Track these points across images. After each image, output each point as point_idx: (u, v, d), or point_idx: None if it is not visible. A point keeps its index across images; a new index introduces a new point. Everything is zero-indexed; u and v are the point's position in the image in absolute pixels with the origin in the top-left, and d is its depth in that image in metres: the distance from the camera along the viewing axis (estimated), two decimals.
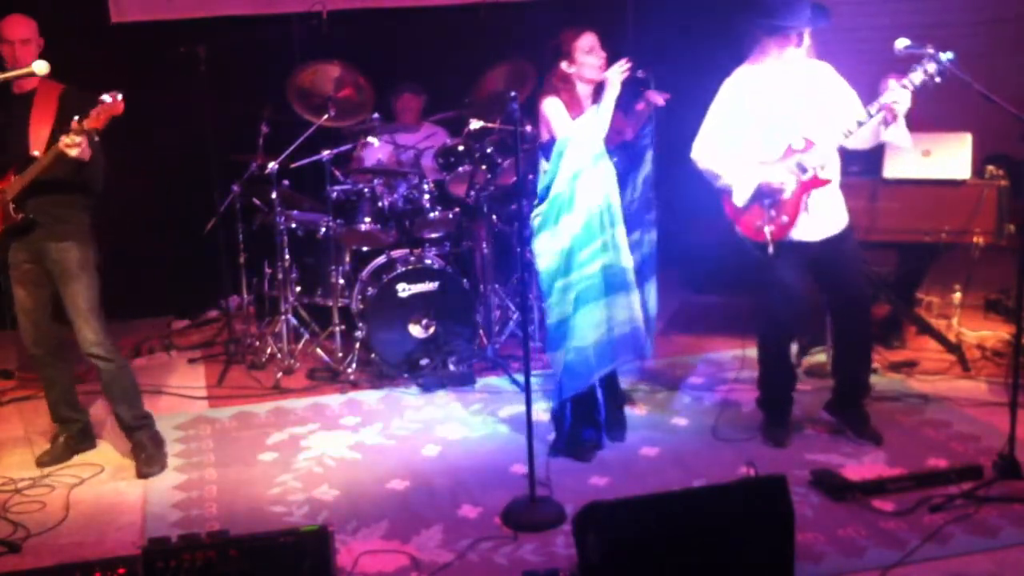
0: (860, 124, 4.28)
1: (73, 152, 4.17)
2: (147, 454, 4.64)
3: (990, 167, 5.35)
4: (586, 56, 4.40)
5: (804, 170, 4.36)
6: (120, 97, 4.15)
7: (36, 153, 4.34)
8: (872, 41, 5.96)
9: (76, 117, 4.16)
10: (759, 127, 4.41)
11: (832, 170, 4.44)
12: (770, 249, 4.39)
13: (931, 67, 4.12)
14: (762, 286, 4.55)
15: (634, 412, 4.99)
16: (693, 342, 6.08)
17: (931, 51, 4.12)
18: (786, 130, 4.39)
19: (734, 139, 4.42)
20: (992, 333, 5.85)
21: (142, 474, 4.57)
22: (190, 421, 5.19)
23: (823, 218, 4.44)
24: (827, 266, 4.50)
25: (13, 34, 4.35)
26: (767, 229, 4.39)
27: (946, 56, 4.10)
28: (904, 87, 4.19)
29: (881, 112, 4.24)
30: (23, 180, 4.34)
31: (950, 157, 5.31)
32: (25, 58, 4.30)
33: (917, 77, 4.16)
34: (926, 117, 5.11)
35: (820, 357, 5.46)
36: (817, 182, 4.38)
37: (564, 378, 4.40)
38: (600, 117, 4.37)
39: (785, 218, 4.39)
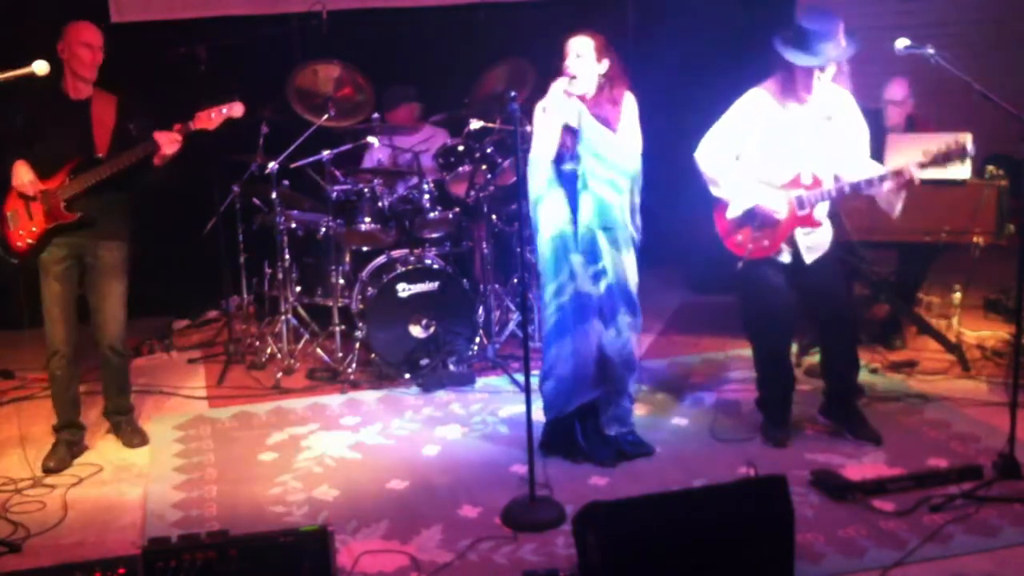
0: (871, 184, 4.31)
1: (171, 149, 4.52)
2: (132, 428, 4.96)
3: (990, 167, 5.36)
4: (565, 62, 4.23)
5: (803, 206, 4.37)
6: (239, 103, 4.66)
7: (100, 156, 4.58)
8: (872, 41, 5.96)
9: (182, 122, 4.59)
10: (764, 149, 4.41)
11: (822, 212, 4.46)
12: (740, 264, 4.42)
13: (952, 149, 4.19)
14: (752, 288, 4.55)
15: (634, 412, 4.98)
16: (693, 342, 6.08)
17: (931, 51, 4.11)
18: (794, 158, 4.39)
19: (740, 152, 4.43)
20: (992, 333, 5.86)
21: (133, 444, 4.88)
22: (190, 421, 5.19)
23: (808, 249, 4.46)
24: (808, 277, 4.51)
25: (90, 36, 4.57)
26: (747, 247, 4.43)
27: (970, 147, 4.18)
28: (921, 165, 4.23)
29: (888, 182, 4.28)
30: (87, 180, 4.52)
31: None
32: (97, 63, 4.58)
33: (940, 155, 4.21)
34: (926, 117, 5.12)
35: (819, 357, 5.45)
36: (809, 221, 4.40)
37: (544, 402, 4.49)
38: (543, 142, 4.22)
39: (767, 243, 4.42)
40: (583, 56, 4.23)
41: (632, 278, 4.40)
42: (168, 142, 4.53)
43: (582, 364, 4.37)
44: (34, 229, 4.56)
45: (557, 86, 4.18)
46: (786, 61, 4.28)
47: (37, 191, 4.53)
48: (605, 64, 4.27)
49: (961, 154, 4.19)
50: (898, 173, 4.25)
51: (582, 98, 4.26)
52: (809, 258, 4.46)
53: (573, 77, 4.20)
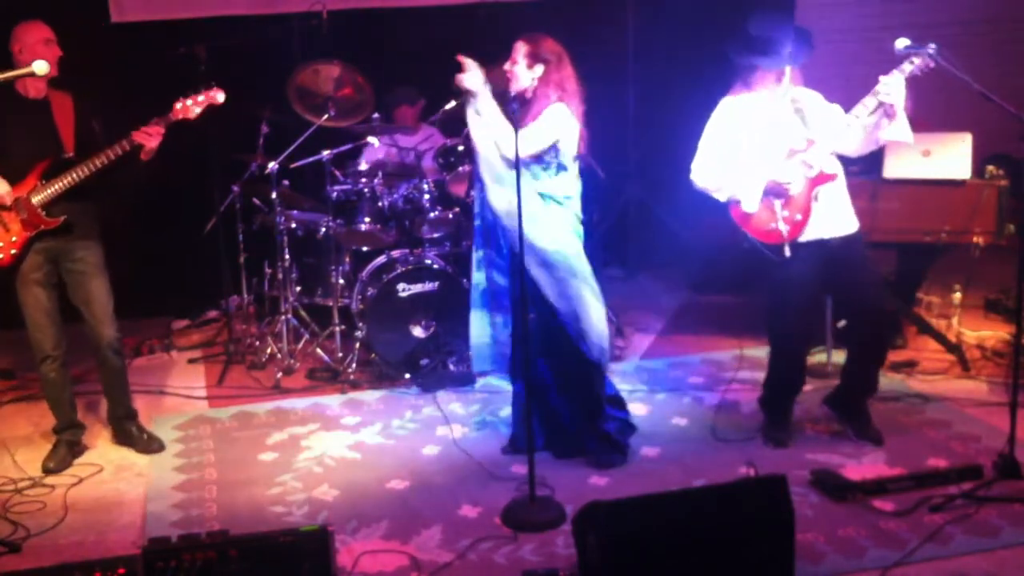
0: (857, 117, 4.27)
1: (155, 143, 4.41)
2: (147, 434, 4.88)
3: (990, 167, 5.35)
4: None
5: (810, 167, 4.36)
6: (219, 90, 4.54)
7: (70, 155, 4.46)
8: (872, 41, 5.96)
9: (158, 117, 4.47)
10: (753, 147, 4.41)
11: (837, 167, 4.44)
12: (787, 251, 4.36)
13: (917, 59, 4.14)
14: (780, 288, 4.49)
15: (634, 412, 4.99)
16: (693, 342, 6.08)
17: (931, 50, 4.12)
18: (778, 144, 4.39)
19: (730, 157, 4.42)
20: (992, 333, 5.85)
21: (151, 451, 4.79)
22: (190, 421, 5.19)
23: (834, 215, 4.43)
24: (842, 269, 4.46)
25: (46, 32, 4.45)
26: (783, 228, 4.37)
27: (931, 45, 4.12)
28: (894, 76, 4.19)
29: (879, 107, 4.23)
30: (64, 181, 4.41)
31: (950, 157, 5.31)
32: (55, 56, 4.41)
33: (907, 67, 4.17)
34: (926, 117, 5.13)
35: (820, 357, 5.45)
36: (824, 177, 4.38)
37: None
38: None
39: (799, 216, 4.37)
40: (516, 62, 4.35)
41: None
42: (148, 136, 4.41)
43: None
44: (14, 239, 4.43)
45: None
46: (747, 65, 4.37)
47: (11, 200, 4.41)
48: (539, 69, 4.32)
49: (924, 55, 4.14)
50: (879, 102, 4.22)
51: (522, 95, 4.33)
52: (834, 228, 4.41)
53: (508, 79, 4.35)
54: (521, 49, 4.34)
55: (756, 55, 4.34)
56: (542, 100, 4.31)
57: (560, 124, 4.28)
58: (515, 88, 4.33)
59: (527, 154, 4.20)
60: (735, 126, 4.43)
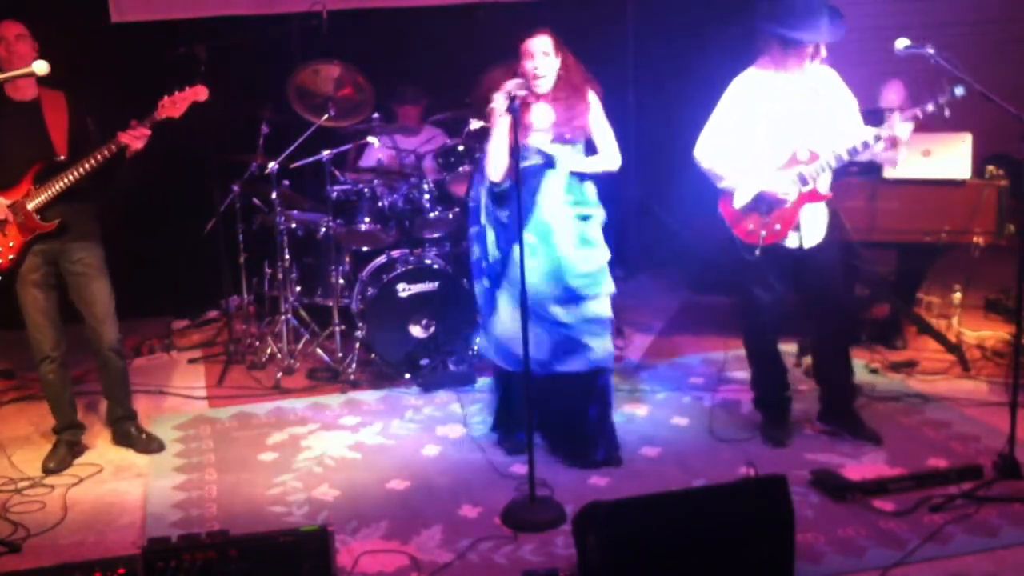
0: (866, 146, 4.30)
1: (140, 144, 4.37)
2: (146, 435, 4.87)
3: (990, 167, 5.35)
4: (531, 62, 4.26)
5: (805, 182, 4.37)
6: (202, 87, 4.47)
7: (62, 158, 4.44)
8: (872, 41, 5.95)
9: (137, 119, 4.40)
10: (765, 130, 4.40)
11: (824, 185, 4.45)
12: (756, 252, 4.40)
13: (943, 100, 4.16)
14: (747, 286, 4.56)
15: (634, 412, 5.00)
16: (693, 342, 6.08)
17: (931, 50, 4.11)
18: (791, 136, 4.39)
19: (739, 140, 4.41)
20: (992, 333, 5.86)
21: (151, 451, 4.79)
22: (190, 421, 5.19)
23: (810, 229, 4.45)
24: (808, 272, 4.50)
25: (7, 31, 4.36)
26: (760, 233, 4.41)
27: (959, 91, 4.11)
28: (911, 120, 4.22)
29: (882, 141, 4.28)
30: (55, 185, 4.39)
31: (950, 157, 5.31)
32: (23, 55, 4.31)
33: (929, 107, 4.19)
34: (926, 117, 5.13)
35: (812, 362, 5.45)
36: (815, 196, 4.40)
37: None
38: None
39: (779, 226, 4.41)
40: (548, 53, 4.27)
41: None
42: (134, 139, 4.37)
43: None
44: (11, 244, 4.43)
45: (510, 90, 4.10)
46: (776, 39, 4.30)
47: (3, 208, 4.39)
48: (559, 60, 4.31)
49: (949, 98, 4.16)
50: (889, 137, 4.26)
51: (544, 98, 4.30)
52: (809, 240, 4.43)
53: (540, 76, 4.26)
54: (549, 42, 4.24)
55: (797, 28, 4.23)
56: (582, 88, 4.28)
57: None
58: (547, 85, 4.27)
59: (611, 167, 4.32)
60: (754, 101, 4.39)
